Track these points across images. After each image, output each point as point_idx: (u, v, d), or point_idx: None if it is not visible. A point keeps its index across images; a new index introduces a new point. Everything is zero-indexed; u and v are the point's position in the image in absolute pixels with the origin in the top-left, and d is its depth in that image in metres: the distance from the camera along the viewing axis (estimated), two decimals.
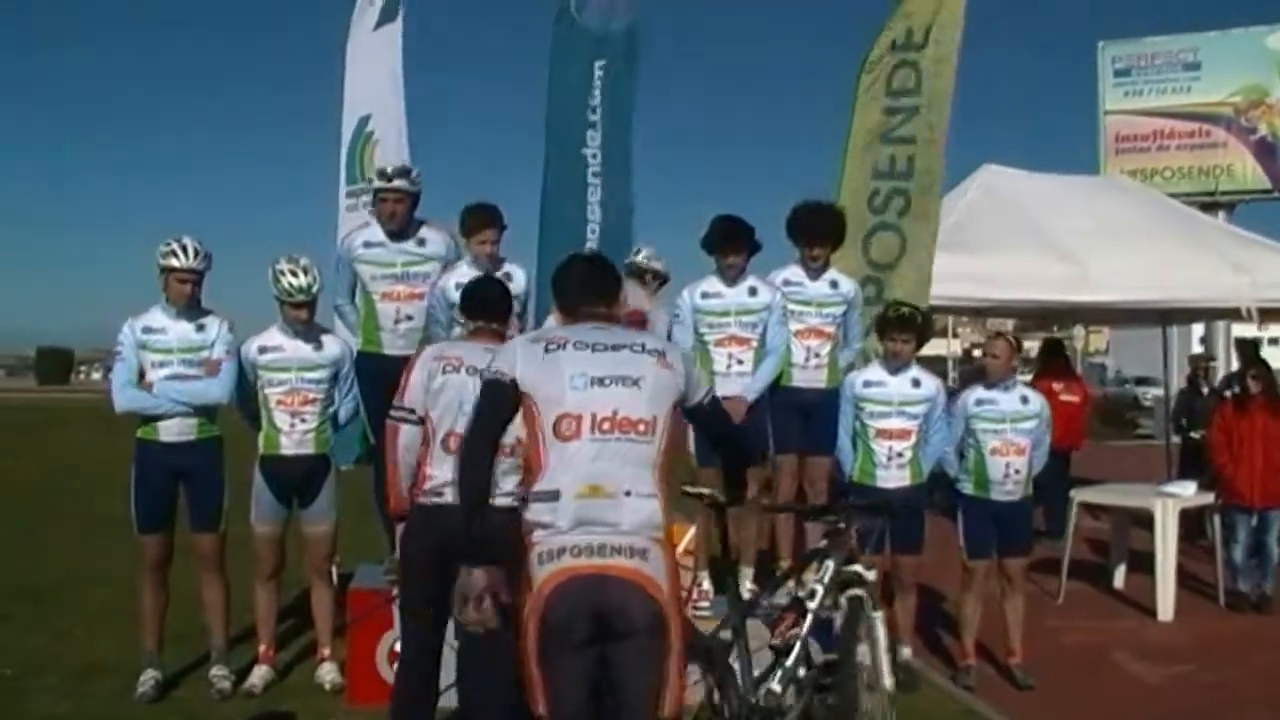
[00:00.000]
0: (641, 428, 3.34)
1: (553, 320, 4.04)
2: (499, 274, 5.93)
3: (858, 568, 4.44)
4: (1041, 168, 10.97)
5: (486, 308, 4.71)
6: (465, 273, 5.85)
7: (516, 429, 3.47)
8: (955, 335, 43.07)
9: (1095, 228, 9.50)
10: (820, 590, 4.41)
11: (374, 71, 7.98)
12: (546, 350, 3.43)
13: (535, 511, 3.29)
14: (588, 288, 3.67)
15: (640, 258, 6.91)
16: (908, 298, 6.81)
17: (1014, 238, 9.24)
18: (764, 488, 6.22)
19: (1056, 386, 10.58)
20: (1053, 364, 11.72)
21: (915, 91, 7.37)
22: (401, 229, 6.08)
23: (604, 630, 3.21)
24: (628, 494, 3.27)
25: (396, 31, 7.89)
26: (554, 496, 3.27)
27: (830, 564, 4.47)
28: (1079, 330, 18.91)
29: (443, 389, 4.40)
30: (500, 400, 3.43)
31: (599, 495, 3.25)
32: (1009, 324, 12.73)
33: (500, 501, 3.57)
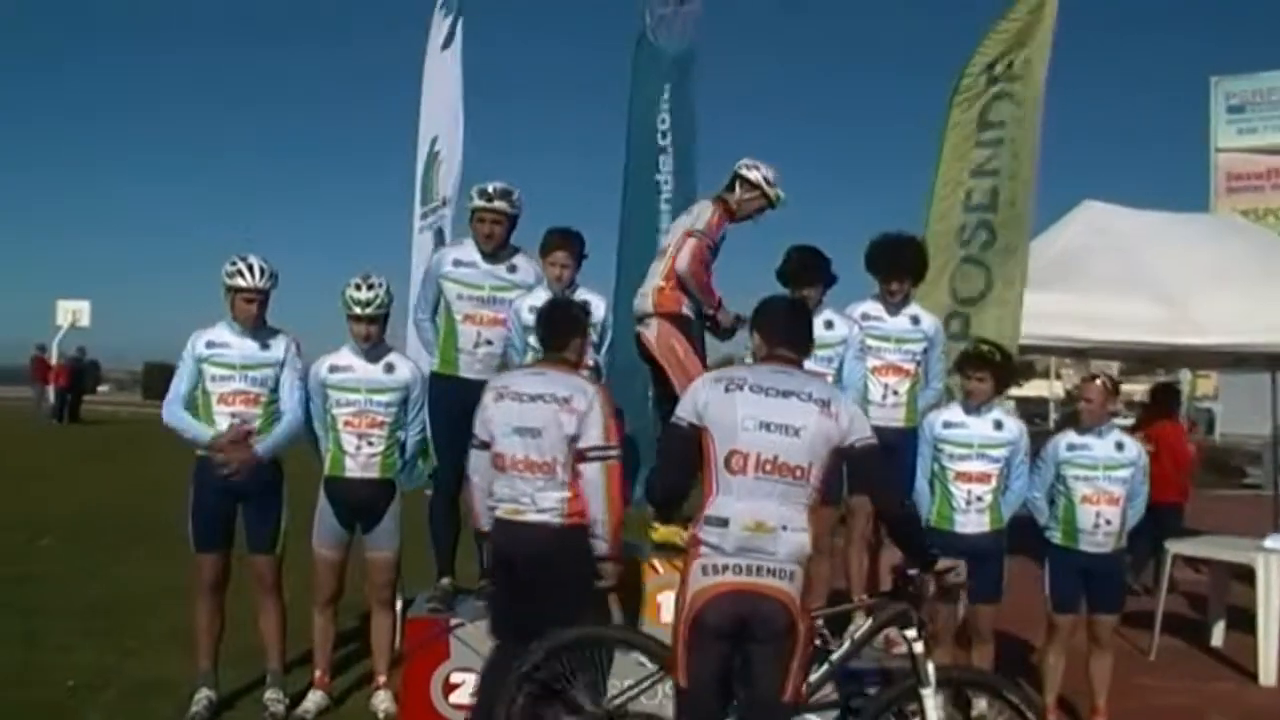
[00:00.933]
0: (798, 473, 3.94)
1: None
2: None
3: (909, 633, 4.28)
4: (1150, 206, 10.59)
5: (557, 334, 4.85)
6: (540, 296, 5.80)
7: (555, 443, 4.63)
8: (1058, 377, 41.88)
9: (1200, 267, 9.10)
10: (847, 645, 4.39)
11: (442, 92, 7.93)
12: (726, 390, 4.02)
13: (706, 532, 3.95)
14: (784, 332, 4.24)
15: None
16: (994, 335, 6.58)
17: (1114, 276, 8.87)
18: (840, 525, 6.16)
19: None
20: (1159, 411, 11.00)
21: (1005, 123, 7.14)
22: (495, 251, 6.01)
23: (745, 632, 3.88)
24: (784, 529, 3.91)
25: (457, 52, 7.82)
26: (723, 524, 3.92)
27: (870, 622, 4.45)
28: (1185, 374, 18.22)
29: (493, 415, 4.80)
30: (677, 447, 4.15)
31: (762, 531, 3.89)
32: (1114, 366, 12.28)
33: (538, 518, 4.56)
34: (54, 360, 34.00)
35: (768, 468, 3.92)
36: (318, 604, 5.94)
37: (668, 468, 4.33)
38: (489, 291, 5.98)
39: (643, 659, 4.45)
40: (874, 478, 4.30)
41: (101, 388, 59.79)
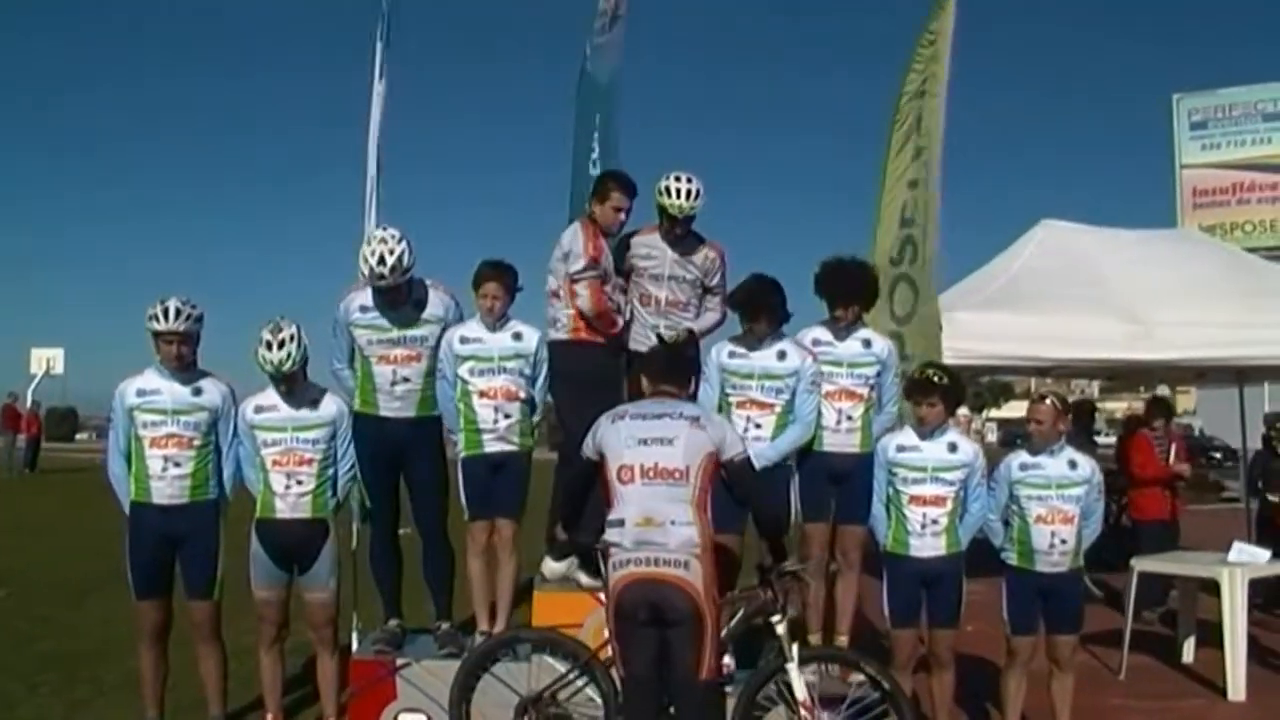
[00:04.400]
0: (677, 475, 4.77)
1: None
2: (505, 332, 5.95)
3: (774, 618, 5.09)
4: (1117, 223, 10.67)
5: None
6: (473, 327, 6.00)
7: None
8: (1041, 398, 41.99)
9: (1162, 283, 9.15)
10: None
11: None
12: (613, 421, 4.94)
13: (610, 534, 4.76)
14: (664, 374, 5.12)
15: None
16: (922, 350, 6.56)
17: (1073, 294, 8.93)
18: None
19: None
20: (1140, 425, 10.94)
21: (923, 132, 7.06)
22: (399, 302, 5.99)
23: (661, 617, 4.63)
24: (672, 523, 4.69)
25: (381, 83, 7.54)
26: (621, 524, 4.74)
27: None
28: (1163, 390, 18.26)
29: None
30: (580, 481, 5.18)
31: (651, 525, 4.69)
32: (1094, 385, 12.35)
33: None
34: (27, 408, 33.67)
35: (650, 474, 4.77)
36: (262, 645, 5.84)
37: (568, 498, 5.29)
38: (398, 331, 5.96)
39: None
40: (749, 487, 5.05)
41: (80, 435, 59.40)
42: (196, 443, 5.66)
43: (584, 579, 6.05)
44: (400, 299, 5.95)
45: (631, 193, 6.31)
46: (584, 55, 7.69)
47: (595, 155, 7.57)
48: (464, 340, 5.96)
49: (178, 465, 5.60)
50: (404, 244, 5.79)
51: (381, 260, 5.72)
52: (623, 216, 6.30)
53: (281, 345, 5.54)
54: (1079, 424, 10.58)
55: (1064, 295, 8.85)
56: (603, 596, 5.32)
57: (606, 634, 4.92)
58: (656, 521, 4.67)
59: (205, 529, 5.67)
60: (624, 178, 6.43)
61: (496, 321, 5.99)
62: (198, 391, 5.70)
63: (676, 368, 5.24)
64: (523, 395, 6.01)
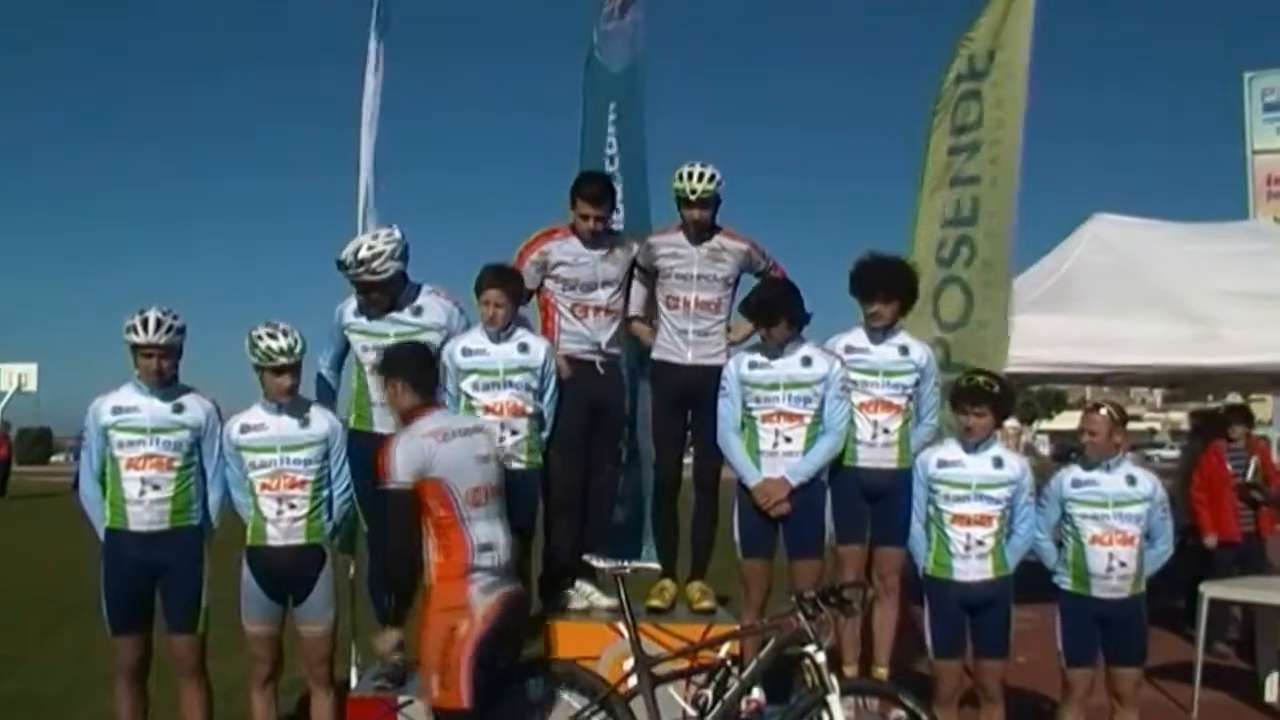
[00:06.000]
0: (501, 493, 5.32)
1: None
2: (510, 343, 6.00)
3: (810, 647, 5.13)
4: (1183, 215, 10.67)
5: None
6: (476, 338, 6.03)
7: None
8: (1096, 407, 41.78)
9: (1229, 280, 9.13)
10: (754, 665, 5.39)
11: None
12: (442, 440, 5.07)
13: (479, 559, 5.06)
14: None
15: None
16: (975, 362, 6.57)
17: (1131, 294, 9.03)
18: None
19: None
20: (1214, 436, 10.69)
21: (978, 125, 7.09)
22: (387, 307, 6.03)
23: (517, 636, 5.51)
24: (507, 544, 5.29)
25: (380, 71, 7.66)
26: (489, 548, 5.12)
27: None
28: (1234, 398, 18.01)
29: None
30: (408, 514, 5.07)
31: (502, 548, 5.21)
32: (1156, 394, 12.28)
33: None
34: None
35: (491, 493, 5.16)
36: (254, 684, 5.83)
37: (405, 533, 5.05)
38: (395, 338, 5.92)
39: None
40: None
41: (55, 457, 59.75)
42: (177, 464, 5.66)
43: (604, 601, 6.17)
44: (393, 300, 6.00)
45: (594, 198, 6.31)
46: (592, 42, 7.71)
47: (612, 151, 7.58)
48: (466, 352, 6.00)
49: (157, 488, 5.60)
50: (393, 243, 5.87)
51: (356, 250, 5.82)
52: (591, 223, 6.31)
53: (286, 334, 5.59)
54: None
55: (1121, 295, 8.92)
56: (622, 627, 5.49)
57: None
58: (504, 544, 5.21)
59: (187, 557, 5.67)
60: (585, 181, 6.44)
61: (500, 331, 6.02)
62: (179, 409, 5.71)
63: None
64: (530, 410, 6.04)
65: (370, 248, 5.84)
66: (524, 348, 6.06)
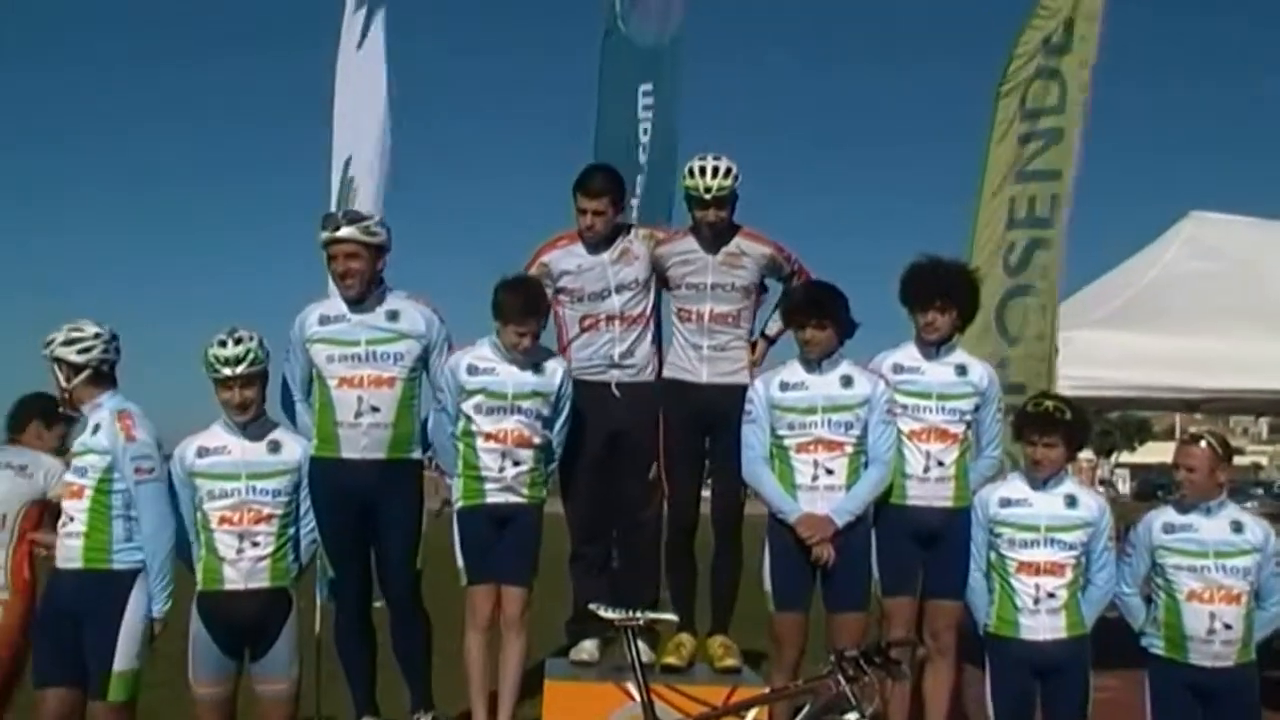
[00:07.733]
0: None
1: None
2: (533, 373, 5.91)
3: (850, 716, 4.83)
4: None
5: None
6: (485, 355, 5.92)
7: None
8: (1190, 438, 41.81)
9: None
10: None
11: (356, 101, 7.75)
12: None
13: None
14: None
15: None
16: (1024, 379, 6.55)
17: (1232, 305, 8.83)
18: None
19: None
20: None
21: (1059, 109, 6.94)
22: (362, 295, 5.86)
23: None
24: None
25: (378, 52, 7.63)
26: None
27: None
28: None
29: None
30: None
31: None
32: (1261, 423, 12.15)
33: None
34: None
35: None
36: None
37: None
38: (365, 346, 5.83)
39: None
40: None
41: None
42: (90, 494, 5.50)
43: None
44: (366, 306, 5.86)
45: (591, 190, 6.23)
46: (612, 11, 7.45)
47: (646, 139, 7.42)
48: (472, 370, 5.88)
49: (71, 519, 5.49)
50: (380, 227, 5.88)
51: (349, 215, 5.97)
52: (589, 219, 6.21)
53: (239, 341, 5.45)
54: None
55: (1220, 307, 8.73)
56: (632, 688, 5.38)
57: None
58: None
59: (108, 603, 5.45)
60: (584, 175, 6.32)
61: (523, 355, 5.89)
62: (96, 429, 5.55)
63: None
64: (537, 440, 5.92)
65: (359, 211, 5.95)
66: (538, 368, 5.91)
